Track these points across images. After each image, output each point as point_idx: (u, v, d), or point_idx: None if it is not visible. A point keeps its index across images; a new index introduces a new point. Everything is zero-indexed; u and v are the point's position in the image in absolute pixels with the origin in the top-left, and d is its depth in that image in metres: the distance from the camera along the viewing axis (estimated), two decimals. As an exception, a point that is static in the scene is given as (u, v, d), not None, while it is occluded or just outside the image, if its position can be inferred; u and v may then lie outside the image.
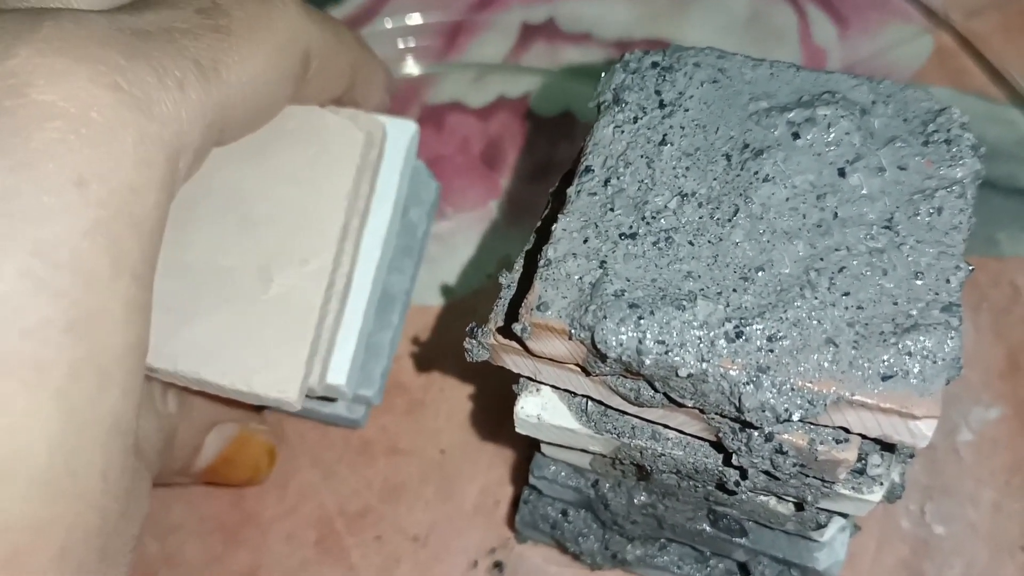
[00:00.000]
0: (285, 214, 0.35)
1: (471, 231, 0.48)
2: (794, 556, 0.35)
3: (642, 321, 0.28)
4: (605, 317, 0.28)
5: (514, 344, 0.31)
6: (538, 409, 0.33)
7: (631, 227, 0.30)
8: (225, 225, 0.35)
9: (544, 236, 0.32)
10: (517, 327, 0.29)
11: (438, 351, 0.45)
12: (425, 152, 0.50)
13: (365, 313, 0.38)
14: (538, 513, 0.39)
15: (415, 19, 0.53)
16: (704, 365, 0.27)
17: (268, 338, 0.34)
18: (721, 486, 0.32)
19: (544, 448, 0.36)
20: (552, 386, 0.33)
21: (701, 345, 0.27)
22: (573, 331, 0.28)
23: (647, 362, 0.28)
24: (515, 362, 0.32)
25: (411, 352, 0.45)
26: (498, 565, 0.41)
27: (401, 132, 0.39)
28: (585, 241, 0.30)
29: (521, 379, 0.33)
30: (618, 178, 0.31)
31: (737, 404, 0.27)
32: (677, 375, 0.28)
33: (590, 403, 0.32)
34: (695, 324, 0.28)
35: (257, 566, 0.41)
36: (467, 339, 0.32)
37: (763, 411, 0.27)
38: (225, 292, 0.35)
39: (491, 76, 0.52)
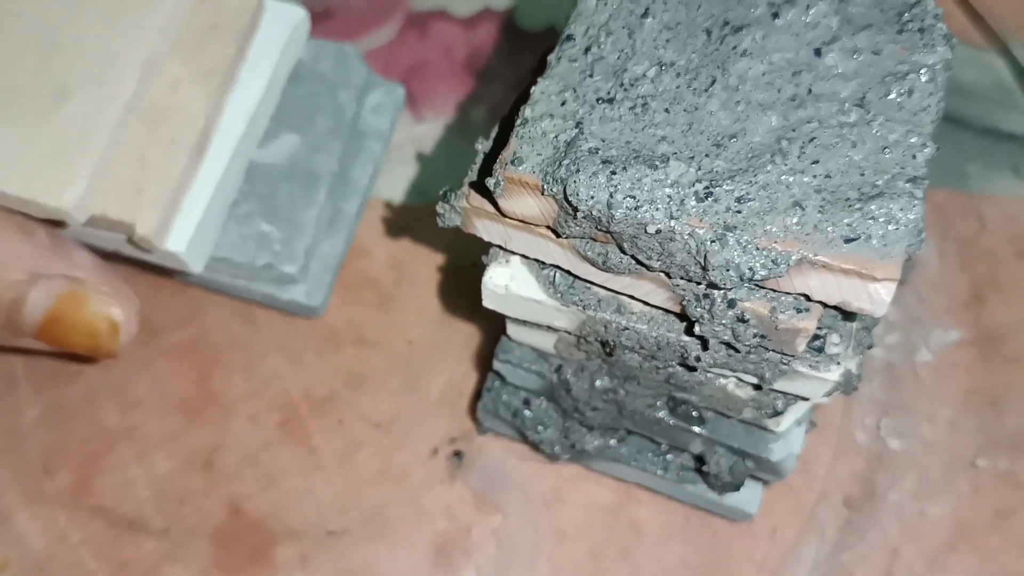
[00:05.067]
0: (89, 40, 0.37)
1: (450, 135, 0.48)
2: (749, 447, 0.36)
3: (614, 176, 0.28)
4: (578, 171, 0.28)
5: (486, 207, 0.31)
6: (506, 279, 0.33)
7: (609, 92, 0.30)
8: (26, 47, 0.37)
9: (522, 103, 0.32)
10: (490, 181, 0.29)
11: (411, 248, 0.45)
12: (406, 57, 0.50)
13: (220, 182, 0.39)
14: (500, 401, 0.39)
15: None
16: (672, 223, 0.28)
17: (55, 151, 0.35)
18: (683, 363, 0.33)
19: (510, 329, 0.37)
20: (521, 256, 0.33)
21: (671, 203, 0.28)
22: (546, 185, 0.29)
23: (617, 216, 0.28)
24: (486, 227, 0.32)
25: (384, 249, 0.45)
26: (457, 454, 0.41)
27: (285, 14, 0.41)
28: (563, 104, 0.30)
29: (491, 249, 0.33)
30: (599, 46, 0.31)
31: (703, 263, 0.28)
32: (646, 232, 0.28)
33: (558, 274, 0.33)
34: (666, 183, 0.28)
35: (218, 444, 0.41)
36: (440, 203, 0.32)
37: (727, 270, 0.28)
38: (17, 107, 0.36)
39: (478, -13, 0.52)
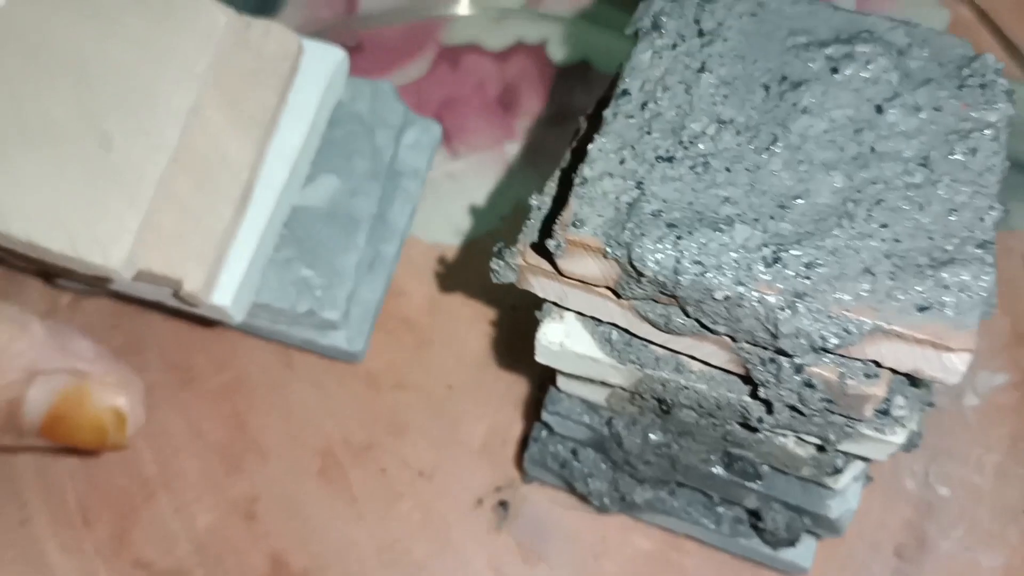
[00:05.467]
0: (128, 80, 0.35)
1: (485, 172, 0.47)
2: (806, 503, 0.35)
3: (680, 241, 0.27)
4: (643, 235, 0.28)
5: (543, 265, 0.31)
6: (561, 336, 0.32)
7: (668, 150, 0.30)
8: (59, 79, 0.35)
9: (578, 158, 0.31)
10: (551, 243, 0.29)
11: (450, 289, 0.45)
12: (439, 92, 0.50)
13: (264, 232, 0.38)
14: (548, 451, 0.39)
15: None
16: (740, 288, 0.27)
17: (101, 204, 0.34)
18: (743, 423, 0.32)
19: (560, 382, 0.36)
20: (577, 313, 0.32)
21: (738, 268, 0.27)
22: (609, 249, 0.28)
23: (683, 282, 0.27)
24: (542, 285, 0.31)
25: (421, 289, 0.45)
26: (503, 504, 0.40)
27: (324, 56, 0.40)
28: (622, 162, 0.30)
29: (544, 305, 0.33)
30: (655, 102, 0.31)
31: (772, 330, 0.27)
32: (713, 298, 0.27)
33: (615, 332, 0.32)
34: (733, 247, 0.27)
35: (258, 494, 0.41)
36: (493, 259, 0.32)
37: (798, 338, 0.27)
38: (60, 154, 0.34)
39: (510, 20, 0.51)
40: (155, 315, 0.43)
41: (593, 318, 0.32)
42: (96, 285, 0.40)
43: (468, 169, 0.48)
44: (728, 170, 0.29)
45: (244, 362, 0.43)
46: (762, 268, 0.27)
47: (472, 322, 0.44)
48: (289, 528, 0.40)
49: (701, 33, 0.32)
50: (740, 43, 0.31)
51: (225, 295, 0.37)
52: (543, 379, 0.40)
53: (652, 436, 0.36)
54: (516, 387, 0.42)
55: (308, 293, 0.40)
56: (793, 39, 0.31)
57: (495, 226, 0.46)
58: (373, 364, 0.43)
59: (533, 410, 0.42)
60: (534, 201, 0.32)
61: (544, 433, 0.39)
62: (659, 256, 0.27)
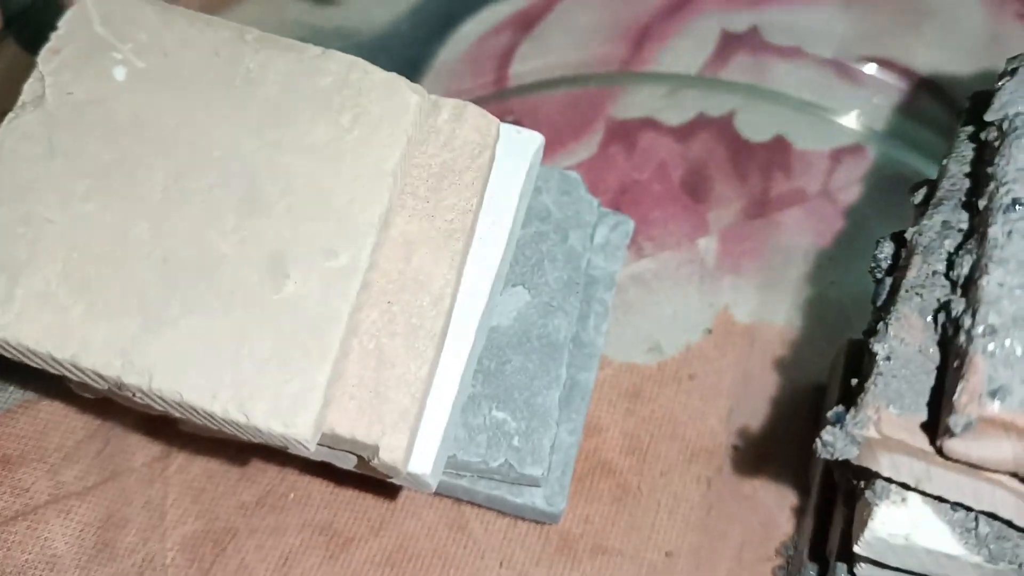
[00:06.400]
0: (305, 194, 0.28)
1: (678, 274, 0.39)
2: None
3: None
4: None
5: (912, 441, 0.22)
6: (907, 527, 0.24)
7: (1096, 284, 0.21)
8: (226, 205, 0.28)
9: (893, 277, 0.23)
10: (956, 421, 0.21)
11: (653, 423, 0.36)
12: (613, 177, 0.42)
13: (465, 373, 0.30)
14: (823, 647, 0.30)
15: (593, 19, 0.45)
16: None
17: (275, 351, 0.26)
18: None
19: (863, 570, 0.27)
20: (929, 496, 0.24)
21: None
22: (1052, 432, 0.20)
23: None
24: (896, 464, 0.23)
25: (616, 423, 0.36)
26: None
27: (520, 142, 0.32)
28: (1035, 303, 0.21)
29: (879, 484, 0.25)
30: (1057, 216, 0.22)
31: None
32: None
33: (982, 520, 0.24)
34: None
35: None
36: (827, 428, 0.23)
37: None
38: (221, 289, 0.27)
39: (686, 90, 0.43)
40: (293, 461, 0.35)
41: (957, 503, 0.24)
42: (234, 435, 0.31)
43: (658, 270, 0.39)
44: None
45: (407, 523, 0.34)
46: None
47: (686, 465, 0.35)
48: None
49: (1104, 122, 0.24)
50: None
51: (425, 462, 0.28)
52: (811, 547, 0.31)
53: (993, 643, 0.27)
54: (750, 549, 0.34)
55: (503, 442, 0.31)
56: None
57: (698, 340, 0.38)
58: (567, 523, 0.34)
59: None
60: (881, 349, 0.24)
61: (819, 625, 0.30)
62: None
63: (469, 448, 0.31)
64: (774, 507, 0.35)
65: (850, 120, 0.43)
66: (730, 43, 0.45)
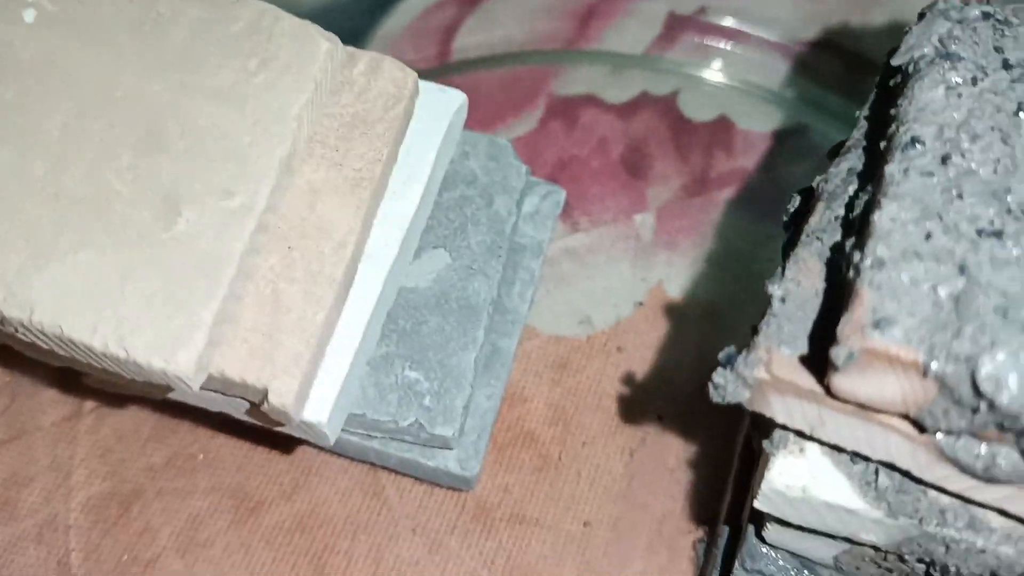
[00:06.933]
0: (206, 135, 0.27)
1: (613, 249, 0.39)
2: None
3: (1050, 354, 0.18)
4: (994, 344, 0.19)
5: (801, 381, 0.22)
6: (804, 478, 0.23)
7: (993, 222, 0.21)
8: (124, 142, 0.27)
9: (848, 230, 0.23)
10: (839, 353, 0.20)
11: (578, 394, 0.35)
12: (552, 151, 0.41)
13: (369, 325, 0.29)
14: (735, 617, 0.29)
15: (539, -2, 0.45)
16: None
17: (162, 288, 0.25)
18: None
19: (770, 532, 0.27)
20: (828, 447, 0.23)
21: None
22: (934, 363, 0.19)
23: None
24: (789, 408, 0.23)
25: (541, 394, 0.35)
26: None
27: (441, 100, 0.32)
28: (928, 237, 0.21)
29: (776, 434, 0.24)
30: (962, 155, 0.22)
31: None
32: None
33: (882, 473, 0.23)
34: (1123, 365, 0.18)
35: (339, 666, 0.31)
36: (719, 372, 0.23)
37: None
38: (111, 226, 0.26)
39: (631, 70, 0.43)
40: (206, 424, 0.34)
41: (855, 454, 0.23)
42: (140, 389, 0.31)
43: (593, 245, 0.39)
44: (1082, 252, 0.20)
45: (320, 488, 0.33)
46: None
47: (608, 436, 0.35)
48: None
49: (1007, 65, 0.23)
50: (1061, 78, 0.23)
51: (320, 409, 0.27)
52: (728, 516, 0.31)
53: (899, 610, 0.26)
54: (671, 522, 0.33)
55: (415, 402, 0.31)
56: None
57: (628, 314, 0.37)
58: (485, 491, 0.34)
59: (705, 555, 0.32)
60: (776, 290, 0.23)
61: (730, 594, 0.29)
62: (1019, 376, 0.18)
63: (379, 407, 0.31)
64: (697, 480, 0.34)
65: (793, 102, 0.42)
66: (676, 24, 0.44)
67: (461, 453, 0.32)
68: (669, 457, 0.34)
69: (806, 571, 0.28)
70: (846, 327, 0.20)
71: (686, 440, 0.34)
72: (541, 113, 0.42)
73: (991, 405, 0.19)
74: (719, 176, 0.41)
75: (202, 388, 0.26)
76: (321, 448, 0.34)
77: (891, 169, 0.22)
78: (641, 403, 0.35)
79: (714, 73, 0.43)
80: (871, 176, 0.24)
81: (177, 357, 0.24)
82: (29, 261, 0.25)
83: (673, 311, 0.37)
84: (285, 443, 0.34)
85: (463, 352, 0.32)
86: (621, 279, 0.38)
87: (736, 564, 0.28)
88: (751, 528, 0.28)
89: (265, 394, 0.26)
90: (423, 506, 0.33)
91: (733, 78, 0.43)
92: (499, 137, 0.39)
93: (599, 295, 0.38)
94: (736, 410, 0.24)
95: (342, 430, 0.31)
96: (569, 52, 0.44)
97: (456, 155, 0.35)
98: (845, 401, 0.21)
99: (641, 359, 0.36)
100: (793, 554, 0.28)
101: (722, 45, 0.44)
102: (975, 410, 0.19)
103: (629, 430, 0.35)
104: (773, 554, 0.28)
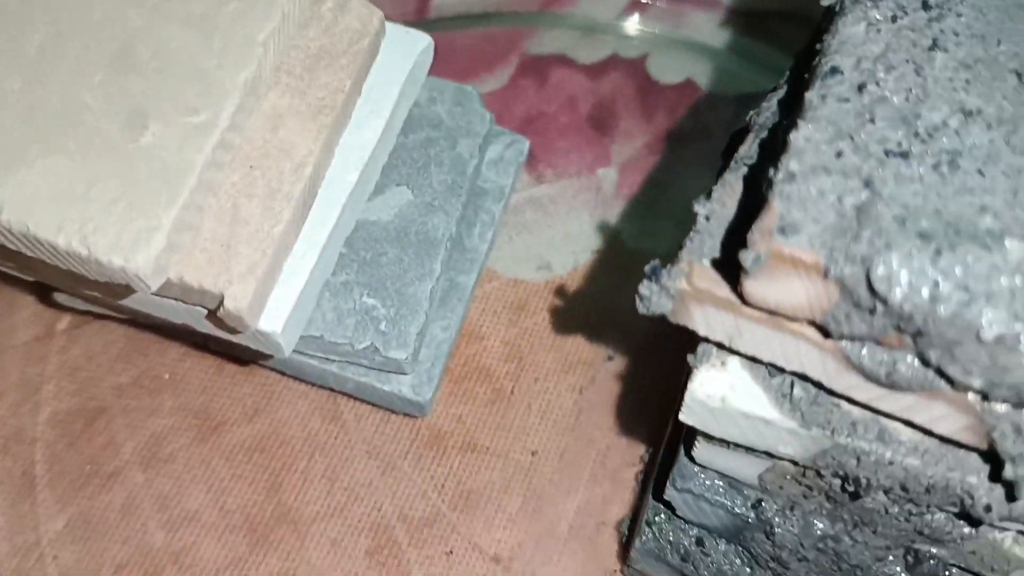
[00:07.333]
0: (176, 57, 0.29)
1: (575, 200, 0.40)
2: (1015, 618, 0.27)
3: (940, 258, 0.20)
4: (889, 247, 0.20)
5: (717, 291, 0.23)
6: (724, 389, 0.25)
7: (901, 144, 0.22)
8: (97, 61, 0.29)
9: (768, 158, 0.24)
10: (747, 256, 0.21)
11: (534, 334, 0.37)
12: (522, 106, 0.42)
13: (326, 245, 0.30)
14: (666, 539, 0.31)
15: (517, -38, 0.46)
16: (1018, 326, 0.20)
17: (125, 194, 0.27)
18: (959, 512, 0.24)
19: (699, 450, 0.28)
20: (747, 359, 0.25)
21: (1015, 297, 0.20)
22: (833, 265, 0.21)
23: (941, 315, 0.20)
24: (708, 318, 0.24)
25: (498, 332, 0.37)
26: (602, 604, 0.32)
27: (407, 41, 0.34)
28: (839, 155, 0.22)
29: (701, 347, 0.25)
30: (877, 84, 0.23)
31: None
32: (977, 339, 0.20)
33: (797, 385, 0.24)
34: (1005, 269, 0.20)
35: (289, 575, 0.32)
36: (644, 283, 0.24)
37: (1107, 397, 0.19)
38: (81, 136, 0.28)
39: (602, 33, 0.44)
40: (175, 347, 0.35)
41: (771, 366, 0.24)
42: (107, 304, 0.32)
43: (556, 196, 0.40)
44: (981, 172, 0.22)
45: (281, 410, 0.35)
46: (1053, 298, 0.20)
47: (560, 374, 0.36)
48: (330, 623, 0.31)
49: (926, 5, 0.25)
50: (977, 20, 0.25)
51: (275, 320, 0.29)
52: (654, 434, 0.32)
53: (817, 525, 0.28)
54: (615, 455, 0.34)
55: (371, 326, 0.32)
56: (1041, 20, 0.25)
57: (586, 261, 0.39)
58: (439, 419, 0.35)
59: (642, 485, 0.34)
60: (701, 209, 0.24)
61: (662, 516, 0.31)
62: (911, 277, 0.20)
63: (337, 330, 0.32)
64: (643, 416, 0.35)
65: (759, 67, 0.44)
66: (649, -9, 0.46)
67: (415, 379, 0.33)
68: (617, 396, 0.36)
69: (732, 490, 0.29)
70: (755, 233, 0.21)
71: (634, 379, 0.36)
72: (513, 71, 0.43)
73: (885, 304, 0.20)
74: (682, 135, 0.42)
75: (163, 295, 0.28)
76: (283, 373, 0.35)
77: (810, 95, 0.23)
78: (593, 344, 0.37)
79: (683, 38, 0.45)
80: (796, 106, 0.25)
81: (136, 256, 0.26)
82: (1, 165, 0.27)
83: (628, 260, 0.38)
84: (249, 368, 0.35)
85: (420, 282, 0.33)
86: (581, 228, 0.39)
87: (668, 484, 0.29)
88: (682, 448, 0.29)
89: (221, 300, 0.27)
90: (379, 431, 0.35)
91: (701, 43, 0.44)
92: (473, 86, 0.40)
93: (559, 243, 0.39)
94: (682, 350, 0.26)
95: (301, 353, 0.33)
96: (544, 14, 0.45)
97: (423, 100, 0.36)
98: (757, 308, 0.23)
99: (596, 303, 0.37)
100: (722, 475, 0.29)
101: (692, 11, 0.45)
102: (872, 311, 0.21)
103: (581, 369, 0.36)
104: (703, 475, 0.29)
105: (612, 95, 0.43)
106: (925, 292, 0.20)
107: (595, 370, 0.36)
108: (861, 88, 0.23)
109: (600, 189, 0.41)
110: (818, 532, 0.28)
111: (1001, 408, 0.22)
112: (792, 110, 0.25)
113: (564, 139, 0.42)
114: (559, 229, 0.39)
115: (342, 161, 0.31)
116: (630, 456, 0.34)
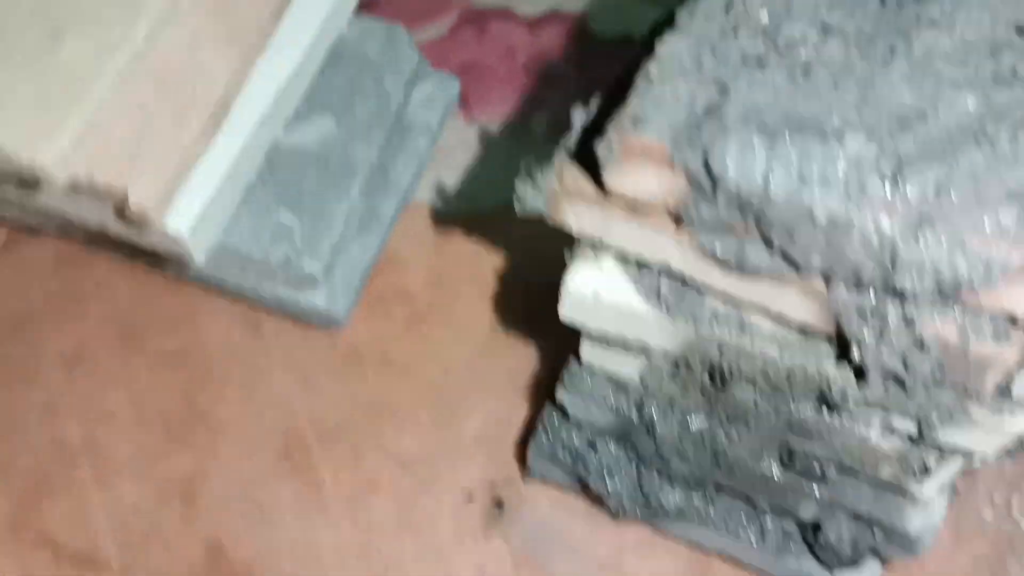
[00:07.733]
0: None
1: (505, 142, 0.42)
2: (880, 514, 0.29)
3: (775, 146, 0.22)
4: (726, 135, 0.22)
5: (584, 188, 0.25)
6: (595, 283, 0.27)
7: (759, 54, 0.24)
8: None
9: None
10: (601, 146, 0.23)
11: (455, 262, 0.38)
12: (461, 54, 0.44)
13: (237, 160, 0.32)
14: (559, 440, 0.32)
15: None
16: (850, 208, 0.21)
17: (38, 98, 0.29)
18: (819, 401, 0.26)
19: (585, 351, 0.30)
20: (618, 255, 0.26)
21: (848, 184, 0.22)
22: (677, 153, 0.22)
23: (775, 197, 0.22)
24: (579, 214, 0.26)
25: (421, 259, 0.38)
26: (498, 503, 0.34)
27: None
28: (699, 64, 0.24)
29: (577, 243, 0.27)
30: (743, 3, 0.25)
31: (889, 263, 0.21)
32: (811, 221, 0.22)
33: (665, 280, 0.26)
34: (842, 159, 0.22)
35: (202, 472, 0.34)
36: (519, 182, 0.26)
37: (922, 273, 0.21)
38: (2, 48, 0.30)
39: (546, -12, 0.46)
40: (104, 261, 0.37)
41: (639, 262, 0.26)
42: (29, 207, 0.34)
43: (487, 138, 0.42)
44: (835, 81, 0.24)
45: (203, 322, 0.36)
46: (880, 186, 0.21)
47: (476, 300, 0.38)
48: (235, 513, 0.33)
49: (796, -69, 0.27)
50: (844, -54, 0.26)
51: (182, 221, 0.30)
52: (559, 357, 0.34)
53: (693, 423, 0.30)
54: (522, 373, 0.36)
55: (286, 240, 0.34)
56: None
57: (511, 200, 0.40)
58: (357, 336, 0.37)
59: (542, 396, 0.35)
60: (576, 117, 0.26)
61: (556, 419, 0.33)
62: (746, 162, 0.22)
63: (253, 243, 0.34)
64: (555, 341, 0.37)
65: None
66: (591, -50, 0.48)
67: (329, 292, 0.35)
68: (532, 321, 0.37)
69: (618, 392, 0.31)
70: (610, 127, 0.23)
71: (549, 308, 0.37)
72: (454, 21, 0.45)
73: (723, 188, 0.22)
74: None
75: (76, 194, 0.29)
76: (206, 286, 0.37)
77: (679, 13, 0.25)
78: (515, 275, 0.38)
79: (622, -2, 0.46)
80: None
81: (42, 151, 0.28)
82: None
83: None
84: (175, 282, 0.37)
85: (336, 203, 0.35)
86: (509, 169, 0.41)
87: (559, 386, 0.31)
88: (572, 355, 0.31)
89: (125, 195, 0.29)
90: (297, 346, 0.36)
91: (643, 2, 0.46)
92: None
93: (487, 182, 0.41)
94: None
95: (220, 267, 0.34)
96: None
97: (354, 37, 0.38)
98: (619, 200, 0.24)
99: (520, 236, 0.39)
100: (608, 378, 0.31)
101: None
102: (714, 195, 0.22)
103: (499, 296, 0.38)
104: (591, 379, 0.31)
105: (551, 48, 0.45)
106: (758, 175, 0.22)
107: (512, 299, 0.38)
108: (728, 8, 0.25)
109: (532, 133, 0.42)
110: (695, 428, 0.30)
111: (844, 292, 0.23)
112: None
113: (500, 87, 0.43)
114: (487, 169, 0.41)
115: (259, 84, 0.33)
116: (536, 373, 0.36)
